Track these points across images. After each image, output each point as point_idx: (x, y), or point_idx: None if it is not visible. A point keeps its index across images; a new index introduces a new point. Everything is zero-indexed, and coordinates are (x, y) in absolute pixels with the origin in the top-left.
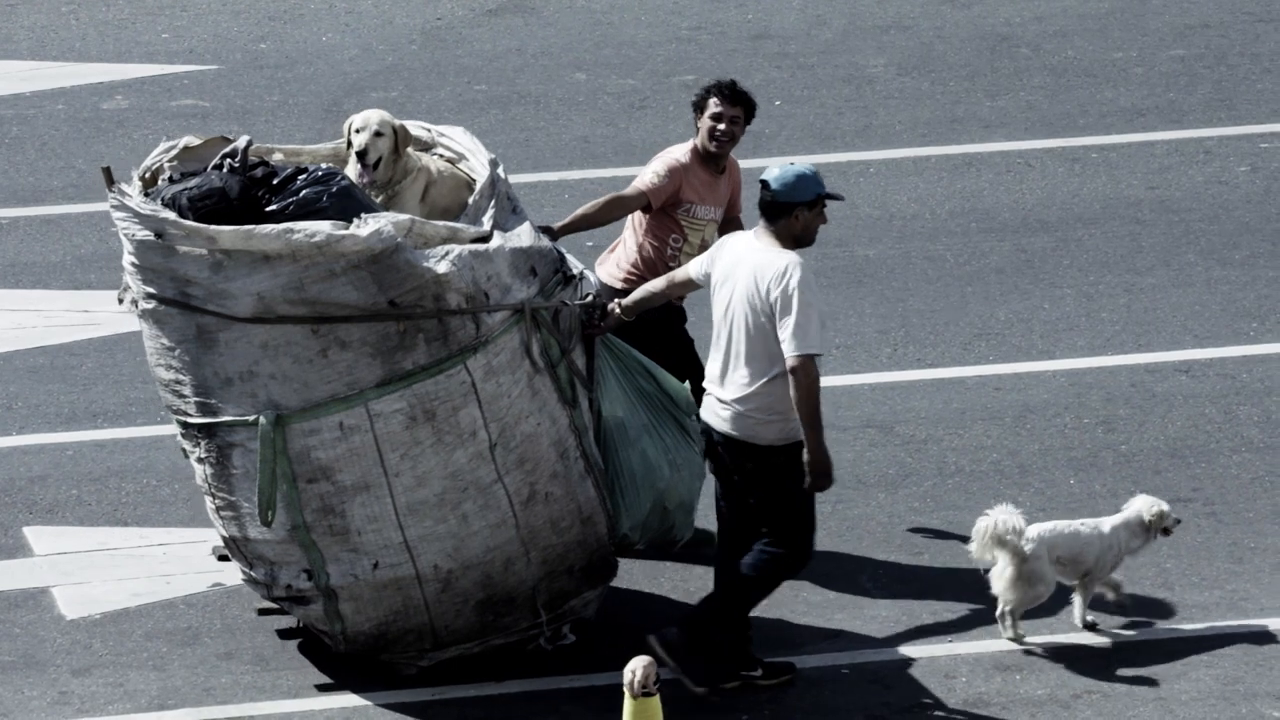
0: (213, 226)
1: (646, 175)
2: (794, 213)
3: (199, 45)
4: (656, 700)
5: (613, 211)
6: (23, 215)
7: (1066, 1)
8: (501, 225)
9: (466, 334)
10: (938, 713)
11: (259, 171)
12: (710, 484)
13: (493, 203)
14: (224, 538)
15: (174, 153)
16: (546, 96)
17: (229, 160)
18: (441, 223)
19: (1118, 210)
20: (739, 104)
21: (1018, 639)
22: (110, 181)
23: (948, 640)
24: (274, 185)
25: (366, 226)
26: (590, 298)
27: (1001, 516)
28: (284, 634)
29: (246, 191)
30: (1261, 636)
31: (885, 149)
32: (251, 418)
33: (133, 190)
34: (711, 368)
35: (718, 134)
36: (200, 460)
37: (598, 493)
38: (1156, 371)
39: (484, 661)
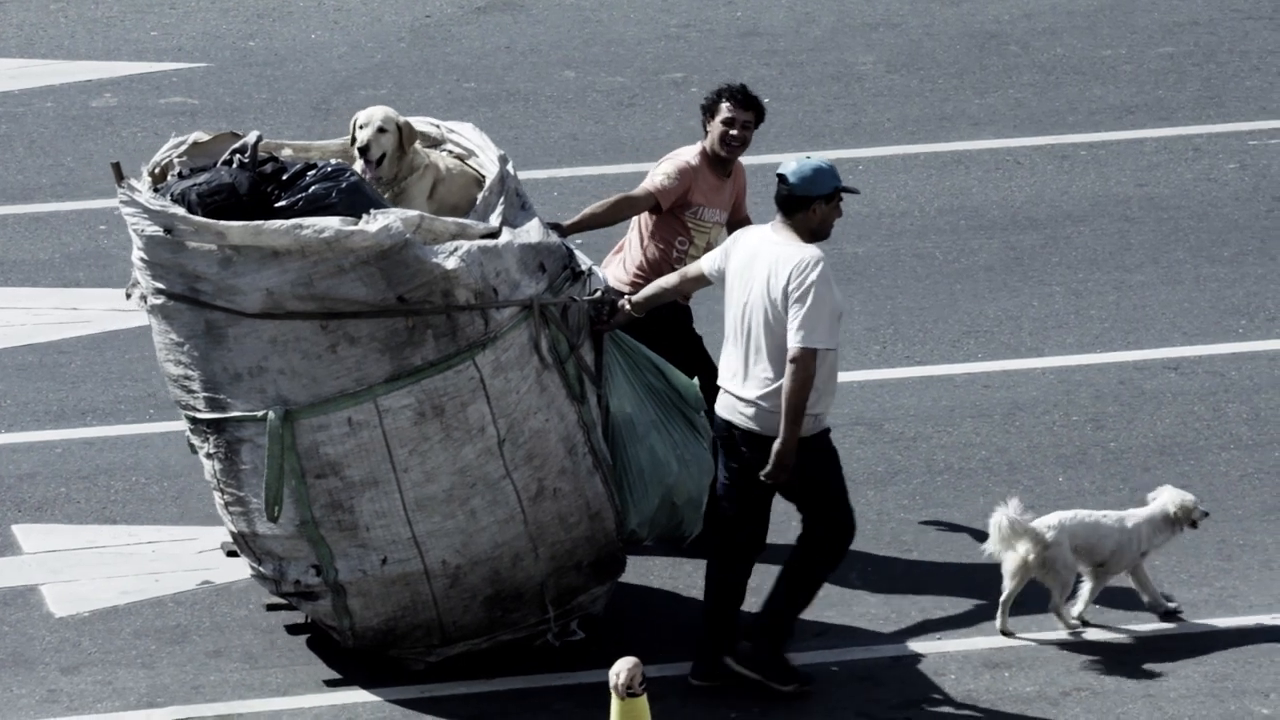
0: (222, 222)
1: (656, 176)
2: (811, 206)
3: (188, 43)
4: (643, 700)
5: (621, 211)
6: (11, 213)
7: None
8: (510, 221)
9: (475, 330)
10: (927, 710)
11: (268, 167)
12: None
13: (502, 199)
14: (232, 533)
15: (183, 148)
16: (535, 94)
17: (238, 156)
18: (450, 219)
19: (1106, 208)
20: (751, 108)
21: (1008, 633)
22: (120, 177)
23: (937, 637)
24: (283, 181)
25: (375, 222)
26: (599, 294)
27: (1015, 507)
28: (292, 629)
29: (256, 187)
30: (1250, 634)
31: (874, 146)
32: (260, 413)
33: (142, 186)
34: (729, 363)
35: (730, 139)
36: (209, 456)
37: (606, 488)
38: (1145, 369)
39: (478, 659)
